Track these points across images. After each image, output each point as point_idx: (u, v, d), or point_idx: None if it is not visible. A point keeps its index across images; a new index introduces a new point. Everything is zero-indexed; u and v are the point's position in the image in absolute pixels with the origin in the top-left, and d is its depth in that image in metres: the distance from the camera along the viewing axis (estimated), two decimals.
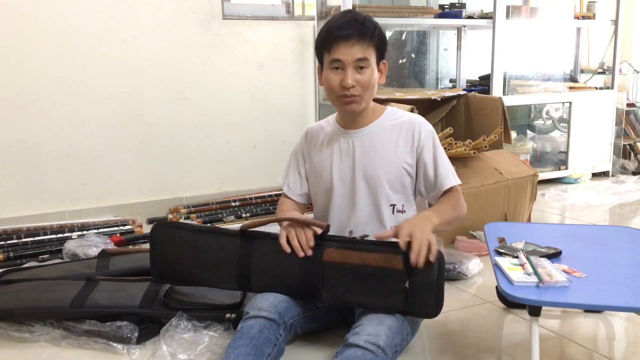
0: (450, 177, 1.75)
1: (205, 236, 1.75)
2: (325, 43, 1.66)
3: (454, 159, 2.69)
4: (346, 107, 1.70)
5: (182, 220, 2.99)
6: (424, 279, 1.53)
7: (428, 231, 1.54)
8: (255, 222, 1.73)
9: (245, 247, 1.69)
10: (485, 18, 3.70)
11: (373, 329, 1.48)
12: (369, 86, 1.67)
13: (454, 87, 4.00)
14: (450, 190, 1.75)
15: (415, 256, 1.49)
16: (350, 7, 3.18)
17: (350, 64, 1.64)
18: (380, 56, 1.70)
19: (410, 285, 1.53)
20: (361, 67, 1.65)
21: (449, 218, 1.69)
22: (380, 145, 1.74)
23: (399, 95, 3.26)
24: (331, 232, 1.83)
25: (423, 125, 1.76)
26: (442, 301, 1.56)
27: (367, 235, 1.66)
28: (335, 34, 1.64)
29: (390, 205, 1.75)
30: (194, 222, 2.94)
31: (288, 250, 1.62)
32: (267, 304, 1.61)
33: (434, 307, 1.56)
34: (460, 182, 1.78)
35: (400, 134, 1.75)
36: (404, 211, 1.77)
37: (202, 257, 1.76)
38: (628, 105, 4.37)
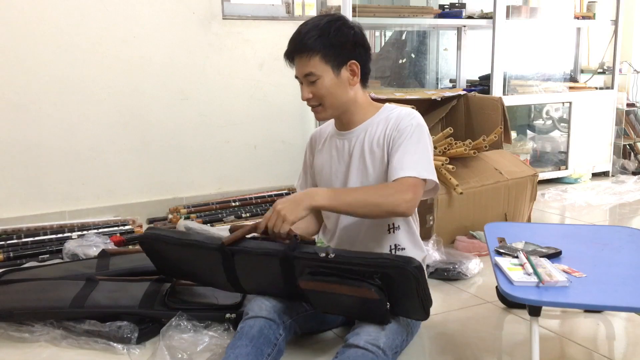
0: (406, 169, 1.60)
1: (187, 250, 1.72)
2: (288, 61, 1.72)
3: (454, 159, 2.70)
4: (315, 116, 1.77)
5: (181, 221, 2.98)
6: (403, 292, 1.50)
7: (291, 209, 1.51)
8: (235, 236, 1.63)
9: (226, 261, 1.65)
10: (485, 18, 3.70)
11: (373, 330, 1.49)
12: (325, 95, 1.67)
13: (454, 87, 4.00)
14: (398, 179, 1.61)
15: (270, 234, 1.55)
16: (350, 7, 3.18)
17: (302, 79, 1.67)
18: (339, 60, 1.65)
19: (391, 301, 1.50)
20: (312, 81, 1.65)
21: (357, 202, 1.56)
22: (369, 143, 1.72)
23: (399, 95, 3.26)
24: (330, 232, 1.84)
25: (407, 117, 1.69)
26: (429, 305, 1.55)
27: (333, 255, 1.54)
28: (285, 52, 1.69)
29: None
30: (192, 222, 2.92)
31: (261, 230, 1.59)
32: (266, 304, 1.61)
33: (421, 313, 1.57)
34: (421, 176, 1.60)
35: (386, 129, 1.70)
36: None
37: (192, 265, 1.79)
38: (628, 105, 4.37)
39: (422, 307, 1.54)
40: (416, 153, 1.64)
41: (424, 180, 1.63)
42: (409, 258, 1.50)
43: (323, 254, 1.52)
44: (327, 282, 1.51)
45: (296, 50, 1.65)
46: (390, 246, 1.76)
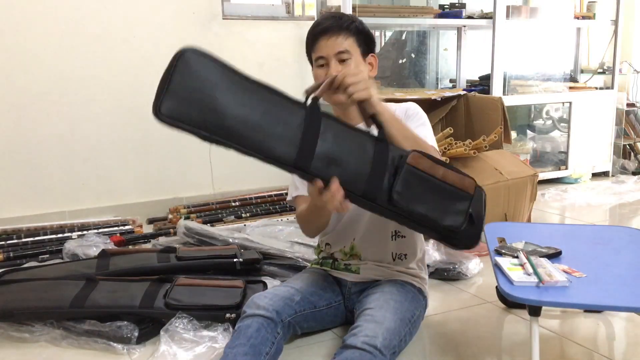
0: (428, 139, 1.67)
1: (262, 92, 1.43)
2: (308, 42, 1.74)
3: (454, 159, 2.70)
4: (332, 99, 1.66)
5: (181, 221, 2.98)
6: (478, 208, 1.54)
7: (372, 89, 1.48)
8: (324, 88, 1.50)
9: (311, 121, 1.40)
10: (485, 18, 3.70)
11: (371, 330, 1.48)
12: None
13: (454, 87, 4.00)
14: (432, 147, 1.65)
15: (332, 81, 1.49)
16: (350, 7, 3.18)
17: (332, 57, 1.67)
18: (365, 49, 1.72)
19: (471, 211, 1.51)
20: (343, 60, 1.67)
21: (411, 131, 1.57)
22: None
23: (399, 95, 3.26)
24: (334, 233, 1.83)
25: (411, 107, 1.77)
26: (481, 234, 1.57)
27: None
28: (315, 31, 1.71)
29: None
30: (192, 222, 2.91)
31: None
32: (264, 303, 1.61)
33: (475, 239, 1.54)
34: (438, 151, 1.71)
35: None
36: None
37: (252, 115, 1.38)
38: (628, 105, 4.37)
39: (479, 232, 1.55)
40: (431, 133, 1.73)
41: None
42: None
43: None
44: (438, 163, 1.49)
45: (334, 28, 1.67)
46: (392, 253, 1.78)
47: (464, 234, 1.52)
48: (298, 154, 1.38)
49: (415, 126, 1.69)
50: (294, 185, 1.82)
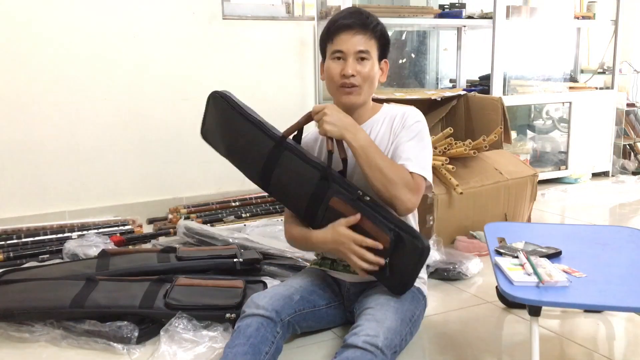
0: (417, 166, 1.64)
1: (246, 125, 1.76)
2: (328, 33, 1.71)
3: (454, 159, 2.70)
4: (344, 98, 1.70)
5: (181, 221, 2.97)
6: (402, 261, 1.59)
7: (334, 121, 1.60)
8: (294, 127, 1.78)
9: (273, 155, 1.72)
10: (485, 18, 3.70)
11: (372, 330, 1.48)
12: (368, 77, 1.68)
13: (454, 87, 4.00)
14: (412, 174, 1.64)
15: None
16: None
17: (352, 54, 1.66)
18: (382, 53, 1.71)
19: (389, 262, 1.58)
20: (362, 59, 1.66)
21: (378, 165, 1.58)
22: (373, 140, 1.73)
23: (399, 95, 3.26)
24: None
25: (411, 114, 1.73)
26: (410, 286, 1.64)
27: (369, 197, 1.63)
28: (339, 24, 1.68)
29: None
30: (192, 222, 2.92)
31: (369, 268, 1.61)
32: (264, 302, 1.61)
33: (399, 289, 1.64)
34: (424, 176, 1.64)
35: (392, 126, 1.73)
36: None
37: (238, 141, 1.81)
38: (628, 105, 4.37)
39: (404, 285, 1.63)
40: (423, 150, 1.69)
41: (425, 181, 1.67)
42: (424, 238, 1.59)
43: (360, 192, 1.62)
44: (357, 210, 1.61)
45: (359, 25, 1.66)
46: None
47: (386, 280, 1.64)
48: (262, 178, 1.76)
49: (407, 140, 1.67)
50: None
